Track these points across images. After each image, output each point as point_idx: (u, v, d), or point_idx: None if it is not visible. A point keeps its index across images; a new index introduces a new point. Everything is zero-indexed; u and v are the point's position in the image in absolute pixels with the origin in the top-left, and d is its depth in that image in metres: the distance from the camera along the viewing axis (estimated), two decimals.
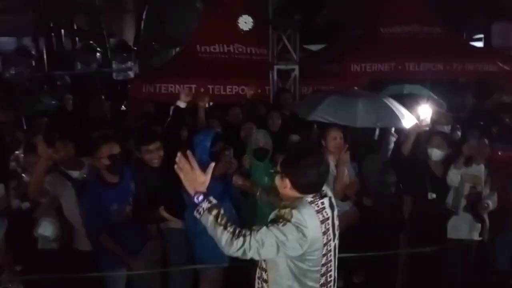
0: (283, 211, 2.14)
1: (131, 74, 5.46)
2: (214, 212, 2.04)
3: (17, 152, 3.37)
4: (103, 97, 6.41)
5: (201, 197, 2.06)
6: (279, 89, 6.13)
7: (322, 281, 2.18)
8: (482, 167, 3.96)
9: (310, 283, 2.16)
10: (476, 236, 3.85)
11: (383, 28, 8.36)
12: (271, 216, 2.18)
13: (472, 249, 3.83)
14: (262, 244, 2.03)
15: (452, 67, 7.93)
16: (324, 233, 2.17)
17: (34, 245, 3.36)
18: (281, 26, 5.64)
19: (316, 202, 2.17)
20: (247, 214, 3.70)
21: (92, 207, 3.20)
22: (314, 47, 10.43)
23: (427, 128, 4.01)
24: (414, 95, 5.75)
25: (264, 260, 2.18)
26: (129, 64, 5.37)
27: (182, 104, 3.89)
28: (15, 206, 3.32)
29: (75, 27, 9.30)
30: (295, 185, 2.17)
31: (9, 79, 5.30)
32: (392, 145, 4.19)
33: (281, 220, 2.09)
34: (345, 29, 9.15)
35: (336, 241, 2.28)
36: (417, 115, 4.02)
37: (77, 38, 9.46)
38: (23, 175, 3.33)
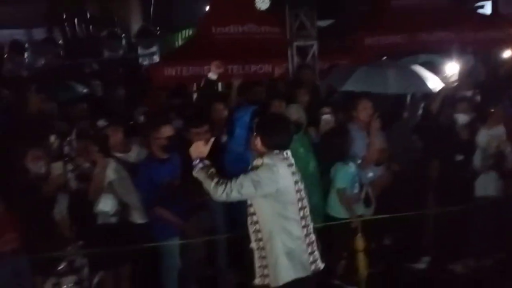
0: (257, 161, 2.65)
1: (156, 58, 5.62)
2: (206, 169, 2.62)
3: (69, 138, 3.59)
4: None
5: (198, 160, 2.65)
6: (299, 65, 6.29)
7: (301, 214, 2.66)
8: (502, 128, 4.17)
9: (292, 215, 2.63)
10: (501, 192, 4.08)
11: (392, 1, 8.46)
12: (250, 167, 2.68)
13: (499, 205, 4.07)
14: (241, 185, 2.54)
15: (463, 35, 8.06)
16: (293, 173, 2.66)
17: (94, 221, 3.62)
18: (298, 4, 5.76)
19: (282, 153, 2.67)
20: None
21: (147, 182, 3.47)
22: (322, 23, 10.51)
23: (453, 91, 4.21)
24: (430, 63, 5.90)
25: (251, 206, 2.66)
26: (154, 48, 5.53)
27: (213, 76, 4.04)
28: (74, 187, 3.55)
29: (88, 15, 9.41)
30: (265, 143, 2.65)
31: (39, 68, 5.48)
32: (420, 111, 4.39)
33: (256, 167, 2.62)
34: (352, 3, 9.21)
35: (302, 185, 2.74)
36: (442, 79, 4.22)
37: (90, 26, 9.60)
38: (78, 158, 3.55)
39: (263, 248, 2.66)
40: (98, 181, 3.45)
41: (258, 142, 2.69)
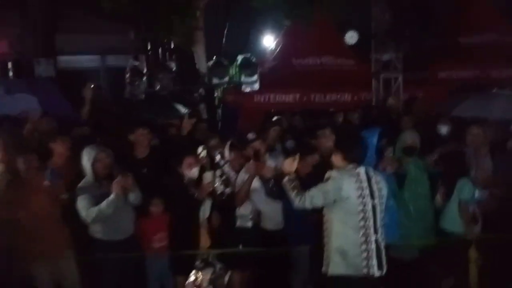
0: (328, 173, 3.18)
1: (257, 86, 6.22)
2: (290, 182, 3.23)
3: (221, 149, 4.13)
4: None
5: (287, 176, 3.28)
6: (387, 96, 6.75)
7: (361, 224, 3.09)
8: None
9: (350, 223, 3.09)
10: None
11: (462, 38, 8.91)
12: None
13: None
14: (312, 196, 3.13)
15: None
16: (358, 188, 3.09)
17: (233, 224, 4.10)
18: (393, 41, 6.30)
19: (354, 168, 3.15)
20: None
21: None
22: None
23: None
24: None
25: (324, 211, 3.20)
26: (255, 77, 6.13)
27: None
28: (220, 191, 4.03)
29: (172, 46, 10.27)
30: (343, 156, 3.19)
31: (154, 93, 6.17)
32: None
33: (326, 179, 3.16)
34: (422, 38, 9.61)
35: (376, 201, 3.15)
36: None
37: (173, 56, 10.45)
38: (225, 166, 4.07)
39: (327, 243, 3.21)
40: (247, 188, 3.93)
41: (339, 156, 3.21)
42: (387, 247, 4.21)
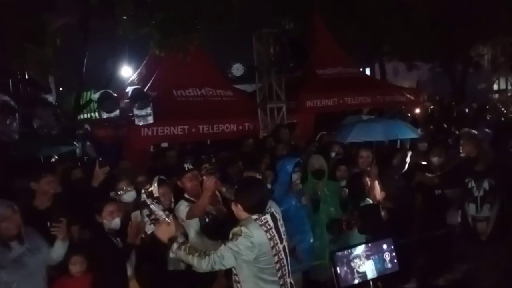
0: (235, 229, 2.80)
1: (151, 119, 5.88)
2: (182, 247, 2.77)
3: (147, 187, 3.74)
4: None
5: (173, 243, 2.82)
6: (278, 125, 7.16)
7: (279, 274, 2.86)
8: None
9: (270, 277, 2.83)
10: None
11: (318, 70, 10.09)
12: (229, 235, 2.80)
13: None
14: (223, 257, 2.72)
15: (376, 99, 10.03)
16: (270, 239, 2.82)
17: (165, 268, 3.78)
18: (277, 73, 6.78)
19: (260, 218, 2.84)
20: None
21: None
22: (244, 87, 11.68)
23: None
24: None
25: (234, 267, 2.83)
26: (149, 110, 5.77)
27: None
28: (150, 231, 3.54)
29: (26, 77, 9.05)
30: (245, 208, 2.85)
31: (35, 130, 5.27)
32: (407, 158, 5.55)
33: (234, 236, 2.77)
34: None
35: (285, 243, 2.94)
36: None
37: (28, 88, 9.19)
38: (152, 205, 3.70)
39: None
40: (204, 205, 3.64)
41: (239, 208, 2.84)
42: (306, 272, 4.51)
